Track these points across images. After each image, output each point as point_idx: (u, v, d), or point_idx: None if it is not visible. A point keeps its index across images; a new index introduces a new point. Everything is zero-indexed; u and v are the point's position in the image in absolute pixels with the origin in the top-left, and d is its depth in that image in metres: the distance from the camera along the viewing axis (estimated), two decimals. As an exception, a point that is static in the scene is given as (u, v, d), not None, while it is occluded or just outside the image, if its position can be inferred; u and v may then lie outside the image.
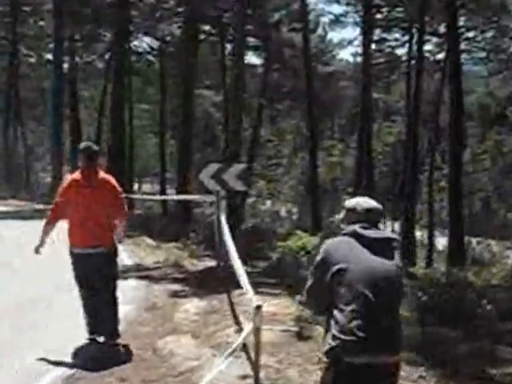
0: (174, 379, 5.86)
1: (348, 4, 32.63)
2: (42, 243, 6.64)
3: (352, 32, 35.38)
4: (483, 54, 33.67)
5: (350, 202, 3.68)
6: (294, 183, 41.87)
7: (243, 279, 6.43)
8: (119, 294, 6.93)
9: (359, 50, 33.13)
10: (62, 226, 6.69)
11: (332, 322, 3.40)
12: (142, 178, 50.63)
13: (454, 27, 20.59)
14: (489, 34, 32.34)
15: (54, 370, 6.13)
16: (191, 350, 6.50)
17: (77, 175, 6.74)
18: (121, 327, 6.89)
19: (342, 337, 3.32)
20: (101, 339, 6.67)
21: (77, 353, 6.51)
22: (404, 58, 33.97)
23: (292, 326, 6.78)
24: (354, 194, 18.23)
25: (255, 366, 5.19)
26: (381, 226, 3.68)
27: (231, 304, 8.08)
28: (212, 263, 11.73)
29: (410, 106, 29.49)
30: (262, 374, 5.34)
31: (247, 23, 27.54)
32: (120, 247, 7.37)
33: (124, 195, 7.05)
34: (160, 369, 6.13)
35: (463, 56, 29.62)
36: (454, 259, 18.38)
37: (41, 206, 19.16)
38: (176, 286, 10.13)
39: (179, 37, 29.02)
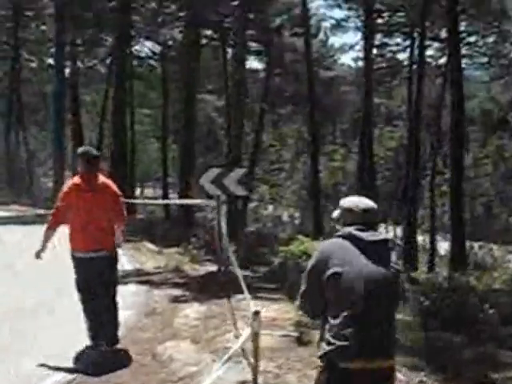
0: (173, 385, 5.86)
1: (349, 9, 32.69)
2: (43, 248, 6.63)
3: (353, 37, 35.77)
4: (484, 59, 33.72)
5: (346, 202, 3.55)
6: (296, 188, 41.87)
7: (242, 284, 6.42)
8: (119, 299, 6.92)
9: (361, 55, 33.24)
10: (63, 230, 6.69)
11: (326, 327, 3.36)
12: (145, 183, 50.64)
13: (455, 32, 20.61)
14: (490, 39, 32.43)
15: (55, 375, 6.13)
16: (191, 355, 6.48)
17: (77, 180, 6.74)
18: (120, 333, 6.87)
19: (337, 342, 3.28)
20: (103, 347, 6.63)
21: (78, 358, 6.49)
22: (405, 63, 34.02)
23: (292, 331, 6.75)
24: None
25: (254, 371, 5.17)
26: (381, 228, 3.64)
27: (231, 309, 8.06)
28: (213, 268, 11.71)
29: (411, 110, 29.50)
30: (260, 380, 5.31)
31: (249, 28, 27.70)
32: (120, 252, 7.37)
33: (125, 200, 7.05)
34: (159, 374, 6.12)
35: (464, 61, 29.66)
36: (456, 264, 18.34)
37: (42, 211, 19.19)
38: (176, 291, 10.10)
39: (181, 41, 29.06)
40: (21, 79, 37.99)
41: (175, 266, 12.61)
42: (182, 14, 28.05)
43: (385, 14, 32.02)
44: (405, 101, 35.22)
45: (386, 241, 3.47)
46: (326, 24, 37.74)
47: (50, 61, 36.82)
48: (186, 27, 27.03)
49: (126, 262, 12.42)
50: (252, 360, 5.17)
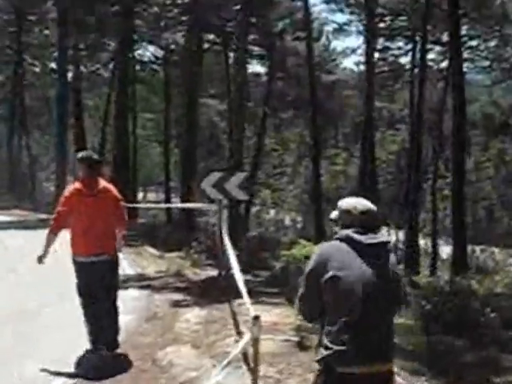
0: (173, 390, 5.86)
1: (351, 13, 32.69)
2: (45, 253, 6.62)
3: (355, 41, 35.85)
4: (486, 63, 33.69)
5: (344, 203, 3.50)
6: (298, 192, 41.82)
7: (242, 289, 6.40)
8: (120, 303, 6.93)
9: (363, 59, 33.15)
10: (64, 235, 6.69)
11: (324, 332, 3.34)
12: (147, 187, 50.65)
13: (456, 36, 20.56)
14: (491, 43, 32.40)
15: (55, 380, 6.14)
16: (191, 360, 6.47)
17: (78, 184, 6.75)
18: (121, 337, 6.87)
19: (335, 347, 3.27)
20: (103, 352, 6.63)
21: (78, 362, 6.49)
22: (407, 67, 33.99)
23: (293, 336, 6.72)
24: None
25: (254, 376, 5.16)
26: (384, 231, 3.61)
27: (232, 313, 8.06)
28: (214, 272, 11.70)
29: (413, 114, 29.49)
30: (261, 385, 5.30)
31: (251, 32, 27.73)
32: (122, 256, 7.38)
33: (126, 204, 7.05)
34: (159, 379, 6.11)
35: (466, 65, 29.63)
36: (458, 267, 18.28)
37: (44, 216, 19.19)
38: (177, 296, 10.09)
39: (183, 46, 29.10)
40: (24, 83, 38.06)
41: (176, 270, 12.59)
42: (184, 19, 28.07)
43: (387, 18, 32.05)
44: (407, 104, 35.20)
45: (385, 243, 3.43)
46: (328, 28, 37.67)
47: (53, 65, 36.87)
48: (189, 32, 27.05)
49: (127, 266, 12.42)
50: (252, 365, 5.16)
